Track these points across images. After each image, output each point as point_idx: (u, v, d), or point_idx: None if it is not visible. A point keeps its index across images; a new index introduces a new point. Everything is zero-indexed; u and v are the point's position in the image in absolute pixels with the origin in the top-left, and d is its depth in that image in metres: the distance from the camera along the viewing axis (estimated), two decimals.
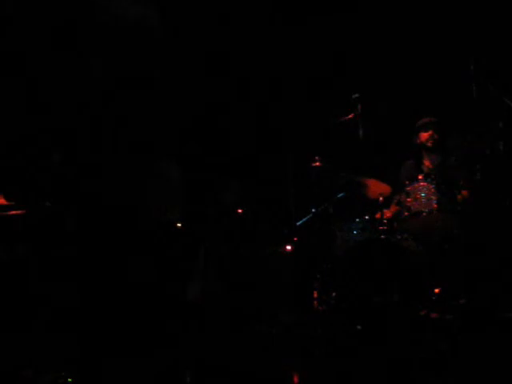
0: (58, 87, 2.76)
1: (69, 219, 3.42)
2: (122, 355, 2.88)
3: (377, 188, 4.87)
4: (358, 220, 4.76)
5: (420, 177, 4.55)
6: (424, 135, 5.07)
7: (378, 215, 4.69)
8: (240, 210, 5.37)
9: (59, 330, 3.04)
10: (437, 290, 4.31)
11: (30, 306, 4.04)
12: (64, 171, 3.05)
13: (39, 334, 3.71)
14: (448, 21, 5.47)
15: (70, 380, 3.19)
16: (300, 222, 4.98)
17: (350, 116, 4.79)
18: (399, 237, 4.63)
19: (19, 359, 3.52)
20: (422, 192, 4.49)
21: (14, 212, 3.54)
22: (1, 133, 3.11)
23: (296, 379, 3.59)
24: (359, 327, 4.16)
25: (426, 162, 5.11)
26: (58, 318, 2.94)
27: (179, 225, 5.08)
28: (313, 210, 4.95)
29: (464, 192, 4.63)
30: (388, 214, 4.82)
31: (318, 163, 4.85)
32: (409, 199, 4.53)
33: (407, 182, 4.61)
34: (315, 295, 4.58)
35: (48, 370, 3.39)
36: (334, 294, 4.45)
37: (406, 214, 4.54)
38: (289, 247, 4.87)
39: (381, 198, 4.72)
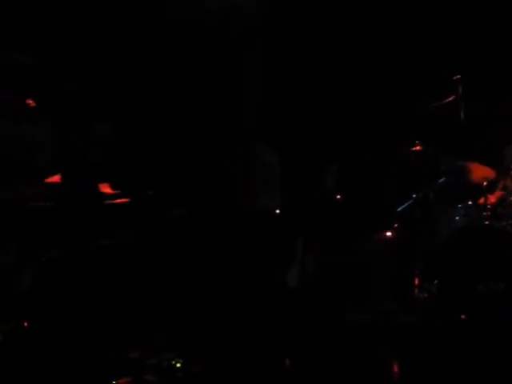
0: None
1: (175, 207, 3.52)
2: (222, 340, 2.94)
3: (480, 172, 4.72)
4: (460, 206, 4.63)
5: None
6: None
7: (481, 200, 4.55)
8: (339, 196, 5.35)
9: (166, 315, 3.14)
10: None
11: (138, 291, 4.21)
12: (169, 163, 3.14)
13: (148, 318, 3.86)
14: None
15: (175, 362, 3.29)
16: (401, 208, 4.90)
17: (451, 98, 4.66)
18: (504, 223, 4.48)
19: (127, 341, 3.67)
20: None
21: (119, 200, 3.68)
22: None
23: (396, 367, 3.57)
24: (463, 316, 4.07)
25: None
26: (165, 303, 3.04)
27: (277, 211, 5.13)
28: (414, 196, 4.85)
29: None
30: (492, 199, 4.66)
31: (418, 148, 4.78)
32: None
33: None
34: (416, 283, 4.51)
35: (154, 352, 3.52)
36: (435, 281, 4.37)
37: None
38: (389, 234, 4.81)
39: (484, 183, 4.58)
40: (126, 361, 3.52)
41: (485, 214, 4.46)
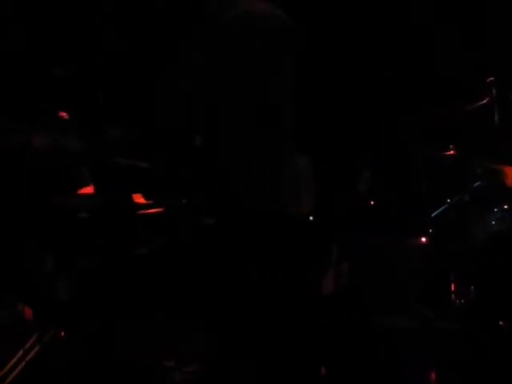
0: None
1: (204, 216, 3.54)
2: (259, 351, 2.94)
3: None
4: (496, 210, 4.57)
5: None
6: None
7: None
8: (372, 202, 5.32)
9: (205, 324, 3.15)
10: None
11: (174, 299, 4.24)
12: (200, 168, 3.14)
13: (185, 325, 3.88)
14: None
15: (208, 372, 3.30)
16: (435, 213, 4.85)
17: (486, 100, 4.60)
18: None
19: (162, 349, 3.70)
20: None
21: (153, 210, 3.71)
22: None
23: (435, 375, 3.53)
24: (501, 323, 4.02)
25: None
26: (203, 310, 3.04)
27: (311, 218, 5.11)
28: (448, 201, 4.81)
29: None
30: None
31: (452, 151, 4.73)
32: None
33: None
34: (453, 288, 4.47)
35: (191, 360, 3.53)
36: (472, 287, 4.32)
37: None
38: (424, 239, 4.77)
39: None
40: (162, 369, 3.55)
41: None
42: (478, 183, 4.75)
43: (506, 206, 4.56)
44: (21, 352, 3.26)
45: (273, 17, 2.69)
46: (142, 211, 3.65)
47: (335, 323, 4.32)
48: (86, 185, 3.82)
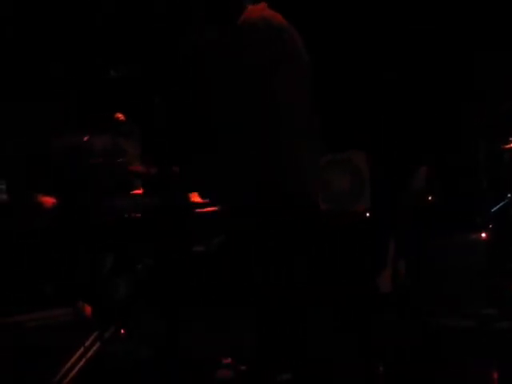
0: None
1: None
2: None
3: None
4: None
5: None
6: None
7: None
8: (430, 198, 5.24)
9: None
10: None
11: (231, 297, 4.26)
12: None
13: (239, 326, 3.90)
14: None
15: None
16: (495, 208, 4.74)
17: None
18: None
19: (221, 348, 3.73)
20: None
21: (210, 209, 3.74)
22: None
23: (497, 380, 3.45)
24: None
25: None
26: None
27: (367, 214, 5.07)
28: (509, 196, 4.69)
29: None
30: None
31: (511, 145, 4.62)
32: None
33: None
34: None
35: (246, 360, 3.54)
36: None
37: None
38: (484, 235, 4.66)
39: None
40: (219, 367, 3.57)
41: None
42: None
43: None
44: (81, 349, 3.33)
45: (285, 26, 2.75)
46: (198, 210, 3.69)
47: (393, 322, 4.27)
48: (137, 187, 3.88)
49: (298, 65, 2.76)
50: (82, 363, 3.32)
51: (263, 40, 2.66)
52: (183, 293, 3.82)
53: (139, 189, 3.88)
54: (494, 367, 3.71)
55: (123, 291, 3.92)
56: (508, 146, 4.60)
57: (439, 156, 5.63)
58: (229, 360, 3.57)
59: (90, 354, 3.35)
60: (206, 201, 3.63)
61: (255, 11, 2.72)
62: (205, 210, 3.72)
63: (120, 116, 4.07)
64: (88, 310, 3.58)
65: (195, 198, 3.65)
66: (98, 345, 3.38)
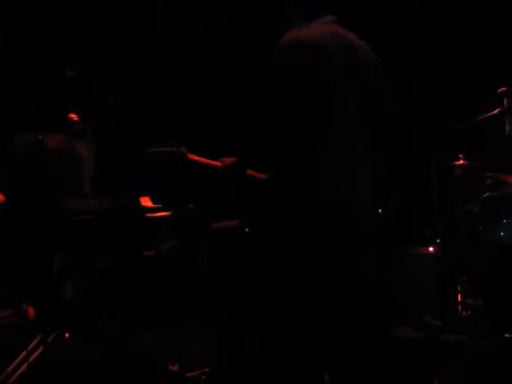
0: None
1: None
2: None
3: None
4: (505, 221, 4.53)
5: None
6: None
7: None
8: (380, 210, 5.29)
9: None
10: None
11: (182, 302, 4.23)
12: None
13: (191, 330, 3.88)
14: None
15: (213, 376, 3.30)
16: (443, 222, 4.82)
17: (496, 111, 4.57)
18: None
19: (169, 354, 3.70)
20: None
21: (161, 213, 3.72)
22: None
23: None
24: (507, 335, 3.98)
25: None
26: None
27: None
28: (457, 211, 4.77)
29: None
30: None
31: (462, 161, 4.70)
32: None
33: None
34: (460, 299, 4.43)
35: (194, 365, 3.53)
36: (479, 298, 4.28)
37: None
38: (431, 249, 4.73)
39: None
40: (166, 373, 3.55)
41: None
42: (487, 194, 4.71)
43: None
44: (24, 353, 3.27)
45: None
46: (149, 214, 3.66)
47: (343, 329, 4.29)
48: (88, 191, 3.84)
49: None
50: (24, 367, 3.26)
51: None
52: (132, 295, 3.79)
53: (98, 190, 3.84)
54: (436, 378, 3.77)
55: (70, 294, 3.87)
56: (458, 163, 4.69)
57: (391, 169, 5.72)
58: (175, 367, 3.55)
59: (33, 357, 3.29)
60: (158, 205, 3.61)
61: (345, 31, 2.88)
62: (156, 214, 3.70)
63: (73, 116, 4.02)
64: (32, 312, 3.52)
65: (146, 202, 3.63)
66: (41, 348, 3.32)
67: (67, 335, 3.49)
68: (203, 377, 3.48)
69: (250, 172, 3.02)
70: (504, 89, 4.52)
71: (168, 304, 4.29)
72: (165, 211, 3.71)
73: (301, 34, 2.75)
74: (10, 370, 3.22)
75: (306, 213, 2.68)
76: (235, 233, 3.22)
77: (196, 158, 3.17)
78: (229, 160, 2.97)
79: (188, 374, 3.52)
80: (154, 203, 3.66)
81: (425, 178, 5.02)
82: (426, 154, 5.12)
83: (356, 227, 2.76)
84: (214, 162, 3.11)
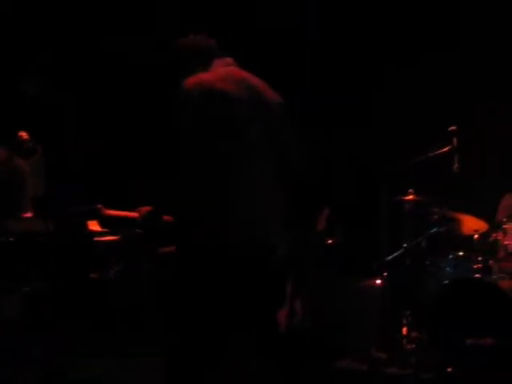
0: None
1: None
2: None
3: (472, 224, 4.72)
4: (451, 257, 4.62)
5: None
6: None
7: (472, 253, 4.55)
8: (330, 241, 5.33)
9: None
10: None
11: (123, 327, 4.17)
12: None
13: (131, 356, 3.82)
14: None
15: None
16: (391, 256, 4.87)
17: (446, 149, 4.67)
18: (495, 276, 4.47)
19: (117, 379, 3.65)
20: None
21: (109, 238, 3.68)
22: None
23: None
24: (449, 369, 4.03)
25: None
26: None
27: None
28: (404, 245, 4.83)
29: None
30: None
31: (411, 196, 4.78)
32: (506, 237, 4.37)
33: (504, 219, 4.46)
34: (404, 333, 4.47)
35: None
36: (424, 332, 4.33)
37: (503, 253, 4.37)
38: (378, 281, 4.78)
39: (476, 235, 4.57)
40: None
41: (475, 266, 4.44)
42: (434, 229, 4.80)
43: (461, 253, 4.61)
44: None
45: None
46: (97, 238, 3.62)
47: (287, 360, 4.28)
48: (28, 210, 3.78)
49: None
50: None
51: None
52: (75, 319, 3.73)
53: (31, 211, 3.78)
54: None
55: (12, 313, 3.78)
56: (407, 198, 4.76)
57: (341, 200, 5.78)
58: None
59: None
60: (105, 230, 3.58)
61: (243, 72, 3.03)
62: (104, 238, 3.66)
63: (23, 134, 3.96)
64: None
65: (94, 226, 3.59)
66: None
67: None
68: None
69: (166, 218, 3.11)
70: (454, 128, 4.64)
71: (115, 329, 4.24)
72: (112, 235, 3.68)
73: (203, 76, 2.90)
74: None
75: (213, 251, 2.78)
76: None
77: (112, 212, 3.29)
78: (145, 209, 3.06)
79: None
80: (103, 227, 3.63)
81: (374, 211, 5.08)
82: (376, 187, 5.19)
83: (262, 266, 2.88)
84: (131, 214, 3.20)
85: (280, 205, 3.00)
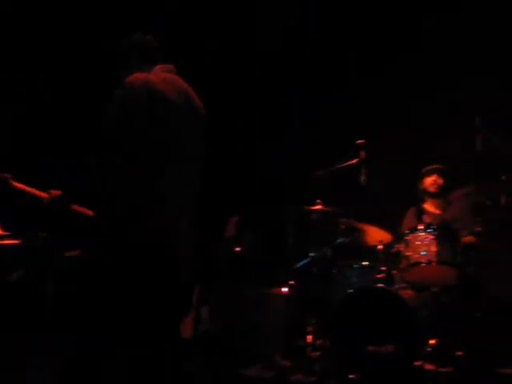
0: None
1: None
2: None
3: (376, 235, 4.85)
4: (356, 266, 4.72)
5: (420, 226, 4.52)
6: (428, 180, 5.11)
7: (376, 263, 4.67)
8: (238, 249, 5.33)
9: None
10: (433, 342, 4.26)
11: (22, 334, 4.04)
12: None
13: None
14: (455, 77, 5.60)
15: None
16: (298, 265, 4.94)
17: (353, 161, 4.78)
18: (397, 286, 4.60)
19: None
20: (422, 242, 4.45)
21: (9, 241, 3.56)
22: None
23: None
24: (352, 376, 4.10)
25: (430, 209, 5.10)
26: None
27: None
28: (311, 254, 4.91)
29: (464, 243, 4.60)
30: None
31: (319, 207, 4.86)
32: (408, 249, 4.50)
33: (407, 231, 4.59)
34: (309, 340, 4.53)
35: None
36: (328, 340, 4.39)
37: (405, 263, 4.50)
38: (285, 289, 4.82)
39: (380, 246, 4.70)
40: None
41: (379, 276, 4.56)
42: (341, 240, 4.90)
43: (365, 263, 4.72)
44: None
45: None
46: None
47: (191, 367, 4.25)
48: None
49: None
50: None
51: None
52: None
53: None
54: None
55: None
56: (314, 208, 4.84)
57: (251, 209, 5.81)
58: None
59: None
60: (7, 233, 3.46)
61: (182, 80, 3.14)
62: (4, 241, 3.53)
63: None
64: None
65: None
66: None
67: None
68: None
69: (75, 206, 3.09)
70: (362, 141, 4.76)
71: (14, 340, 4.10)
72: (13, 239, 3.56)
73: (149, 77, 2.97)
74: None
75: (133, 246, 2.79)
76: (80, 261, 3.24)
77: (21, 186, 3.19)
78: (55, 193, 3.02)
79: None
80: (4, 230, 3.50)
81: (282, 220, 5.14)
82: (284, 197, 5.26)
83: (173, 270, 2.91)
84: (40, 193, 3.13)
85: (193, 209, 3.04)
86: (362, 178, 4.71)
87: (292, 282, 4.78)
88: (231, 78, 6.04)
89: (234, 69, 6.06)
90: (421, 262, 4.40)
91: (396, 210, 5.21)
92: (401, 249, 4.58)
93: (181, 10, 5.76)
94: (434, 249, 4.39)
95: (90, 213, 3.11)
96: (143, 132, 2.86)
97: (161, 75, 3.05)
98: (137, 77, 2.94)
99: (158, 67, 3.11)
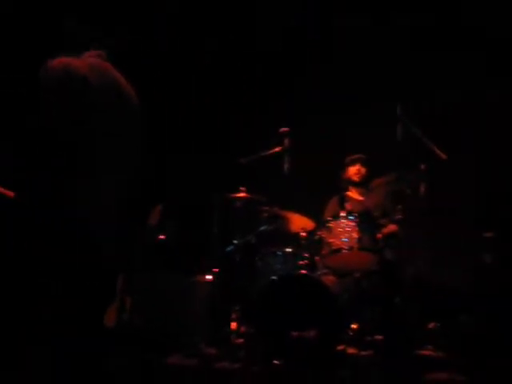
0: None
1: None
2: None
3: (299, 222, 4.91)
4: (279, 253, 4.75)
5: (342, 213, 4.60)
6: (351, 169, 5.25)
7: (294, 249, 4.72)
8: (162, 237, 5.28)
9: None
10: (354, 326, 4.35)
11: None
12: None
13: None
14: (377, 66, 5.71)
15: None
16: (221, 252, 4.94)
17: (277, 149, 4.82)
18: (319, 272, 4.67)
19: None
20: (344, 229, 4.53)
21: None
22: None
23: None
24: (276, 362, 4.14)
25: (353, 195, 5.20)
26: None
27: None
28: (235, 242, 4.92)
29: (385, 231, 4.72)
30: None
31: (242, 194, 4.87)
32: (330, 235, 4.57)
33: (329, 218, 4.67)
34: (233, 327, 4.54)
35: None
36: (252, 327, 4.42)
37: (327, 250, 4.57)
38: (209, 277, 4.82)
39: (303, 233, 4.75)
40: None
41: (302, 262, 4.61)
42: (264, 227, 4.93)
43: (289, 250, 4.76)
44: None
45: None
46: None
47: (115, 357, 4.19)
48: None
49: None
50: None
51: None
52: None
53: None
54: None
55: None
56: (238, 195, 4.84)
57: (174, 196, 5.77)
58: None
59: None
60: None
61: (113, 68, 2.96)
62: None
63: None
64: None
65: None
66: None
67: None
68: None
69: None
70: (285, 129, 4.79)
71: None
72: None
73: (73, 61, 2.85)
74: None
75: (54, 233, 2.74)
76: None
77: None
78: None
79: None
80: None
81: (205, 207, 5.13)
82: (207, 184, 5.24)
83: (97, 258, 2.87)
84: None
85: (118, 196, 3.00)
86: (286, 165, 4.75)
87: (216, 270, 4.78)
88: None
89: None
90: (342, 249, 4.48)
91: (319, 197, 5.29)
92: (323, 235, 4.65)
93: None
94: (355, 235, 4.48)
95: (10, 194, 3.02)
96: (63, 118, 2.79)
97: (88, 60, 3.00)
98: (58, 60, 2.86)
99: (88, 53, 3.06)
